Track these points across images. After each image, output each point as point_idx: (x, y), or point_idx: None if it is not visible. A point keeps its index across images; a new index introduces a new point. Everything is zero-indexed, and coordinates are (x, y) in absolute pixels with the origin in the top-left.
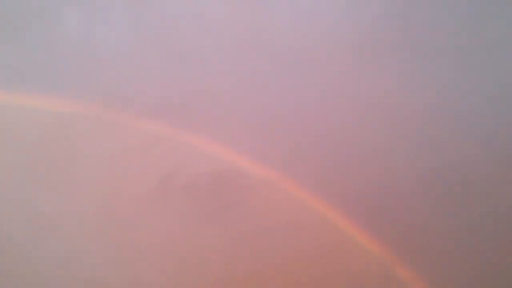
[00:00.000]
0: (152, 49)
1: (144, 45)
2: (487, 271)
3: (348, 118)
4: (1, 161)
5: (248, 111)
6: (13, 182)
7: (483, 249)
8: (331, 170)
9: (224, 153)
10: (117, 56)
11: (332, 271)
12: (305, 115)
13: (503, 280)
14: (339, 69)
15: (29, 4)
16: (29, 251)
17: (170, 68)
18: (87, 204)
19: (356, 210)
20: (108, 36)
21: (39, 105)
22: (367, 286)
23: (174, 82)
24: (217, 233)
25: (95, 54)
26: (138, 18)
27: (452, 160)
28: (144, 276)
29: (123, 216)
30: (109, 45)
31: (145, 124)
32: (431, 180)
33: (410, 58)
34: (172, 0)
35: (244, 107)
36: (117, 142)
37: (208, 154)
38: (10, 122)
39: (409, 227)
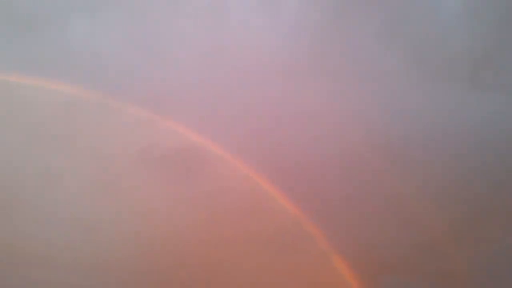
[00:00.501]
0: (139, 53)
1: (133, 50)
2: (377, 232)
3: (283, 118)
4: (19, 127)
5: (208, 105)
6: (29, 145)
7: (374, 215)
8: (265, 152)
9: (189, 134)
10: (113, 57)
11: (259, 224)
12: (251, 114)
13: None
14: (280, 83)
15: (48, 10)
16: (37, 195)
17: (152, 69)
18: (84, 165)
19: (280, 180)
20: (107, 41)
21: (52, 87)
22: (283, 237)
23: (155, 79)
24: (181, 192)
25: (96, 54)
26: (130, 29)
27: (356, 149)
28: (125, 218)
29: (111, 175)
30: (107, 49)
31: (132, 109)
32: (333, 161)
33: (334, 79)
34: (156, 17)
35: (205, 101)
36: (109, 121)
37: (178, 135)
38: (29, 98)
39: (318, 194)
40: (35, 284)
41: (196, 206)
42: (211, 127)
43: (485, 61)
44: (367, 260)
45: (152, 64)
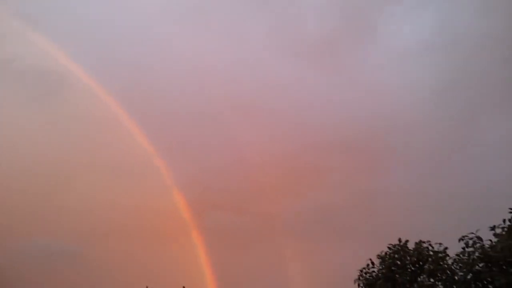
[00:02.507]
0: None
1: None
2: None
3: (152, 56)
4: None
5: (82, 30)
6: None
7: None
8: (129, 87)
9: (55, 54)
10: None
11: (112, 153)
12: (125, 47)
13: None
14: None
15: None
16: None
17: None
18: None
19: (137, 116)
20: None
21: None
22: (132, 168)
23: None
24: (37, 113)
25: None
26: None
27: None
28: None
29: None
30: None
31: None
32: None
33: (213, 30)
34: None
35: (80, 26)
36: None
37: (43, 52)
38: None
39: (171, 135)
40: None
41: (51, 129)
42: (80, 52)
43: (328, 46)
44: (201, 198)
45: None
